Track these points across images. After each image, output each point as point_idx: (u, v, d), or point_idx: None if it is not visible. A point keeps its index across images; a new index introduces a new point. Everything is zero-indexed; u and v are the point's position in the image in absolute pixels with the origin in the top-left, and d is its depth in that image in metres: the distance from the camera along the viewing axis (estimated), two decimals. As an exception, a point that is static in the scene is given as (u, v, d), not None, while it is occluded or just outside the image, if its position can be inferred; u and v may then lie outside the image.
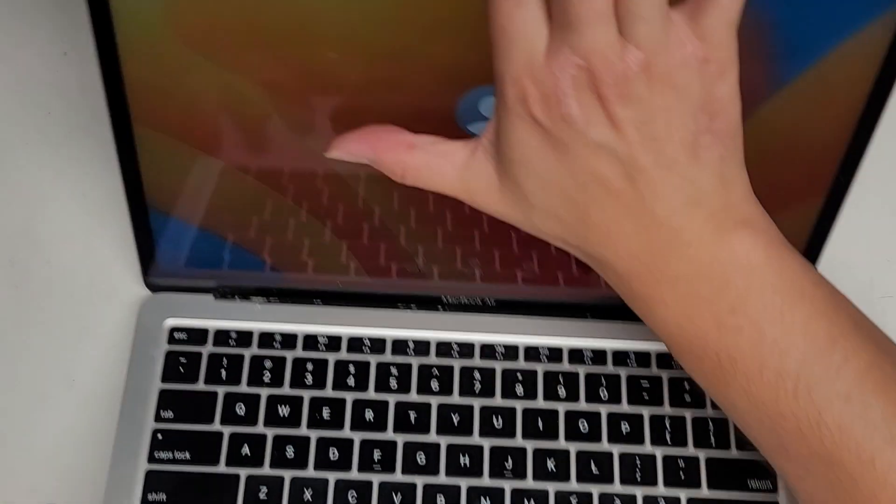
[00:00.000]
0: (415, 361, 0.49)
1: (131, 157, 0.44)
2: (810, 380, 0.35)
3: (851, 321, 0.36)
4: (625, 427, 0.48)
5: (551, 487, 0.47)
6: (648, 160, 0.34)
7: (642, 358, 0.50)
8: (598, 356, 0.50)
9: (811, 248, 0.49)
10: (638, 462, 0.47)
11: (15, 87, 0.57)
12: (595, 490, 0.47)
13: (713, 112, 0.34)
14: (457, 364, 0.50)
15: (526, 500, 0.46)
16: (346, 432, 0.47)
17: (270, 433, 0.47)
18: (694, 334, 0.37)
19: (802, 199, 0.47)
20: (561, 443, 0.48)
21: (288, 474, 0.46)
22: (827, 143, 0.45)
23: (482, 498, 0.46)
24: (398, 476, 0.47)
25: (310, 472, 0.46)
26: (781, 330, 0.35)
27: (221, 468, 0.46)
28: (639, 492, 0.47)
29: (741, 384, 0.36)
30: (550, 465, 0.47)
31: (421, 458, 0.47)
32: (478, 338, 0.50)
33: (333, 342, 0.50)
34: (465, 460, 0.47)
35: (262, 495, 0.46)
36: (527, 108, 0.34)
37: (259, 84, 0.41)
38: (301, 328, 0.50)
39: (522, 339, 0.50)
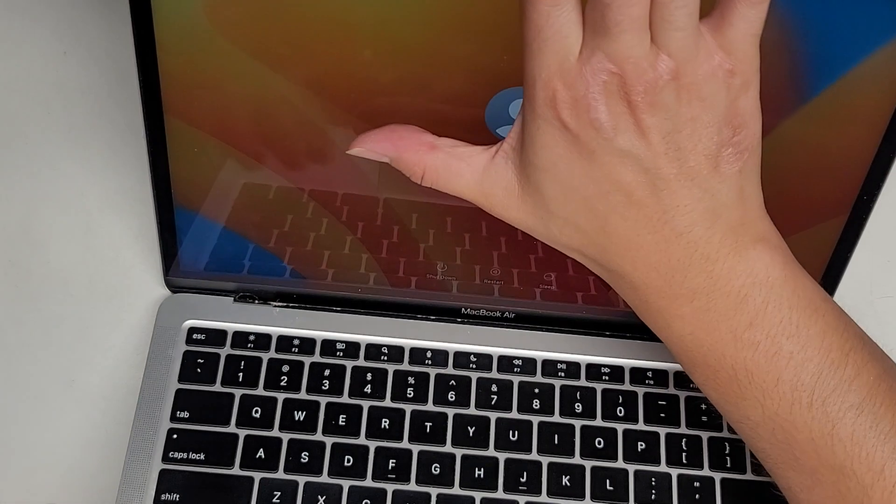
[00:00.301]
0: (432, 371, 0.49)
1: (161, 152, 0.45)
2: (824, 392, 0.36)
3: (859, 337, 0.37)
4: (641, 445, 0.48)
5: None
6: (672, 170, 0.34)
7: (660, 376, 0.50)
8: (616, 373, 0.50)
9: (832, 268, 0.49)
10: (653, 481, 0.47)
11: (15, 85, 0.57)
12: (609, 508, 0.47)
13: (736, 125, 0.35)
14: (474, 376, 0.49)
15: (540, 515, 0.46)
16: (362, 440, 0.47)
17: (286, 437, 0.47)
18: (710, 348, 0.37)
19: (825, 218, 0.47)
20: (576, 459, 0.47)
21: (302, 479, 0.46)
22: (850, 162, 0.45)
23: (496, 511, 0.46)
24: (412, 486, 0.46)
25: (324, 478, 0.46)
26: (797, 344, 0.36)
27: (236, 470, 0.46)
28: (653, 511, 0.47)
29: (756, 397, 0.37)
30: (565, 480, 0.47)
31: (436, 468, 0.47)
32: (496, 350, 0.50)
33: (351, 349, 0.50)
34: (479, 472, 0.47)
35: (275, 500, 0.46)
36: (556, 111, 0.34)
37: (291, 79, 0.42)
38: (319, 334, 0.50)
39: (540, 354, 0.50)
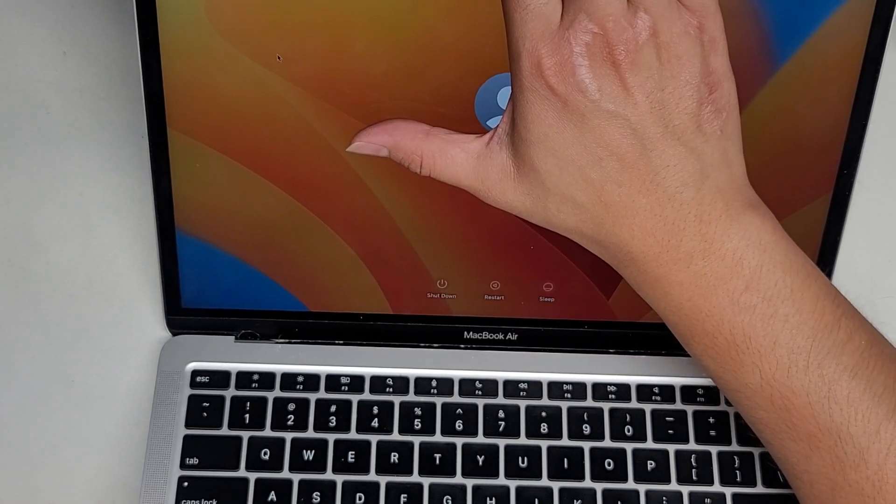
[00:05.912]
0: (438, 401, 0.49)
1: (164, 171, 0.46)
2: (820, 355, 0.37)
3: (848, 304, 0.38)
4: (651, 464, 0.48)
5: (578, 528, 0.47)
6: (658, 129, 0.35)
7: (666, 392, 0.50)
8: (622, 391, 0.50)
9: (824, 255, 0.50)
10: (664, 501, 0.47)
11: (14, 85, 0.57)
12: (622, 530, 0.47)
13: (711, 84, 0.36)
14: (480, 402, 0.49)
15: (553, 542, 0.46)
16: (372, 476, 0.47)
17: (296, 478, 0.47)
18: (708, 313, 0.37)
19: (809, 199, 0.48)
20: (587, 482, 0.48)
21: (315, 520, 0.46)
22: (826, 134, 0.46)
23: (510, 540, 0.46)
24: (425, 520, 0.47)
25: (337, 517, 0.46)
26: (792, 307, 0.37)
27: (248, 516, 0.46)
28: (666, 531, 0.47)
29: (754, 361, 0.37)
30: (577, 505, 0.47)
31: (448, 501, 0.47)
32: (501, 375, 0.50)
33: (356, 382, 0.50)
34: (491, 502, 0.47)
35: (290, 543, 0.46)
36: (543, 79, 0.35)
37: (291, 80, 0.43)
38: (323, 369, 0.50)
39: (546, 376, 0.50)
